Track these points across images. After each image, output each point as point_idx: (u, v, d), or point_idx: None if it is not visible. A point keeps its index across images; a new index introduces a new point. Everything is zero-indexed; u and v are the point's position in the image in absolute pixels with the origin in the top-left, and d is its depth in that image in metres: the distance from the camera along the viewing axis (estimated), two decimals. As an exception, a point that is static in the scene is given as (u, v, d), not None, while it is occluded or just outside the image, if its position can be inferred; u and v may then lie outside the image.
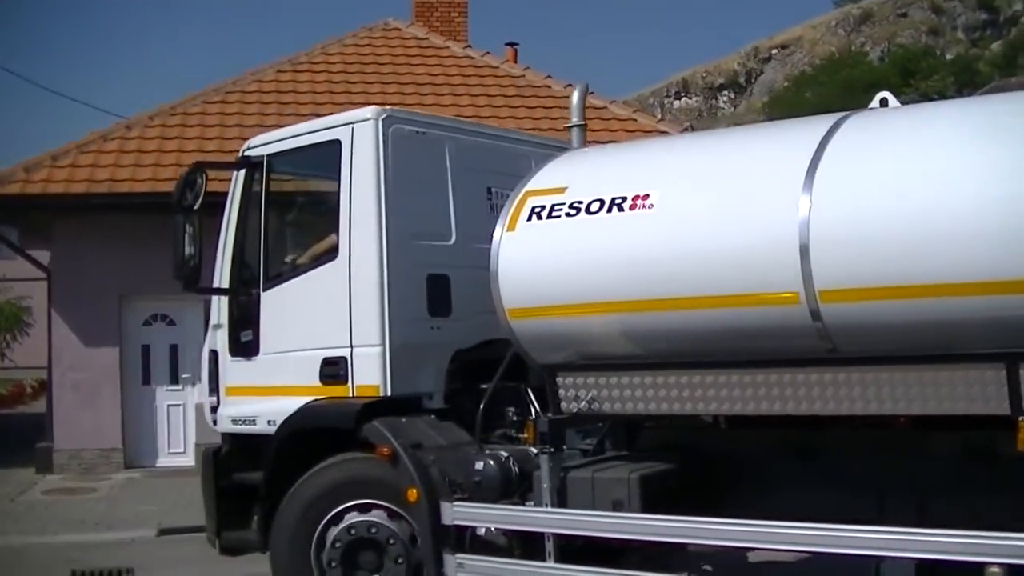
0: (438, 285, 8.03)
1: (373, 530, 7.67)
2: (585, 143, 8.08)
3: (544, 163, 7.54)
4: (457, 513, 7.17)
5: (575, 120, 8.21)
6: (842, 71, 73.82)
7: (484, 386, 7.99)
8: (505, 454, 7.32)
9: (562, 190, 7.09)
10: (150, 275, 17.08)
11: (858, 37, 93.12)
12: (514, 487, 7.23)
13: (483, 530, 7.31)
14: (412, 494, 7.30)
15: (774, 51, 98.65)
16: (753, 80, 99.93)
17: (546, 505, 6.87)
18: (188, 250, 8.16)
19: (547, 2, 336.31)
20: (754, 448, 7.08)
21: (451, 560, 7.17)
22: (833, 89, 69.66)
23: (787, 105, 69.11)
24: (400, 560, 7.61)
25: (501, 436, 7.93)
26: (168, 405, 18.85)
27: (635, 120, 20.69)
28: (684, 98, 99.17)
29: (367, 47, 22.35)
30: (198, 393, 9.31)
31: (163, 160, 18.23)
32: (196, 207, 8.20)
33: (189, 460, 18.21)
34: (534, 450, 7.34)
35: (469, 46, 23.00)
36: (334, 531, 7.72)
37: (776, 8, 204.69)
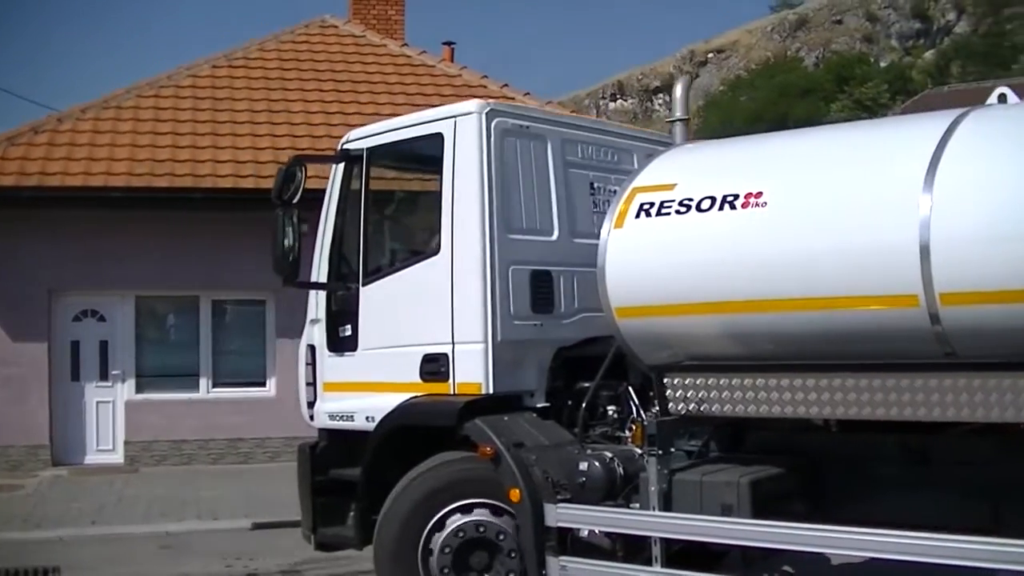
0: (541, 281, 8.06)
1: (481, 529, 7.69)
2: (689, 138, 8.07)
3: (651, 159, 7.53)
4: (561, 514, 7.19)
5: (679, 114, 8.20)
6: (777, 76, 75.81)
7: (586, 384, 8.05)
8: (610, 455, 7.33)
9: (671, 187, 7.08)
10: (80, 270, 17.45)
11: (794, 43, 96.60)
12: (618, 489, 7.24)
13: (586, 532, 7.32)
14: (515, 494, 7.33)
15: (710, 55, 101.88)
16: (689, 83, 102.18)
17: (653, 508, 6.86)
18: (287, 244, 8.26)
19: (484, 2, 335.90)
20: (865, 452, 7.03)
21: (554, 563, 7.19)
22: (768, 93, 71.33)
23: (722, 109, 69.66)
24: (513, 554, 7.62)
25: (603, 436, 7.95)
26: (97, 402, 18.60)
27: (571, 120, 20.62)
28: (620, 100, 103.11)
29: (304, 44, 22.31)
30: (301, 387, 9.19)
31: (96, 154, 18.10)
32: (295, 201, 8.30)
33: (118, 457, 18.40)
34: (639, 451, 7.38)
35: (406, 44, 22.95)
36: (440, 537, 7.71)
37: (713, 12, 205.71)
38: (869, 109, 64.24)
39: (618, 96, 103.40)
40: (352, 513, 8.58)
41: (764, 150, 7.27)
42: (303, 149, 17.17)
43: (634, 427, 7.31)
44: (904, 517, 6.26)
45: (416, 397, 8.04)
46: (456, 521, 7.73)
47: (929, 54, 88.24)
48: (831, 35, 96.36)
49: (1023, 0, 70.46)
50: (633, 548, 7.18)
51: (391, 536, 7.82)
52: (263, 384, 18.50)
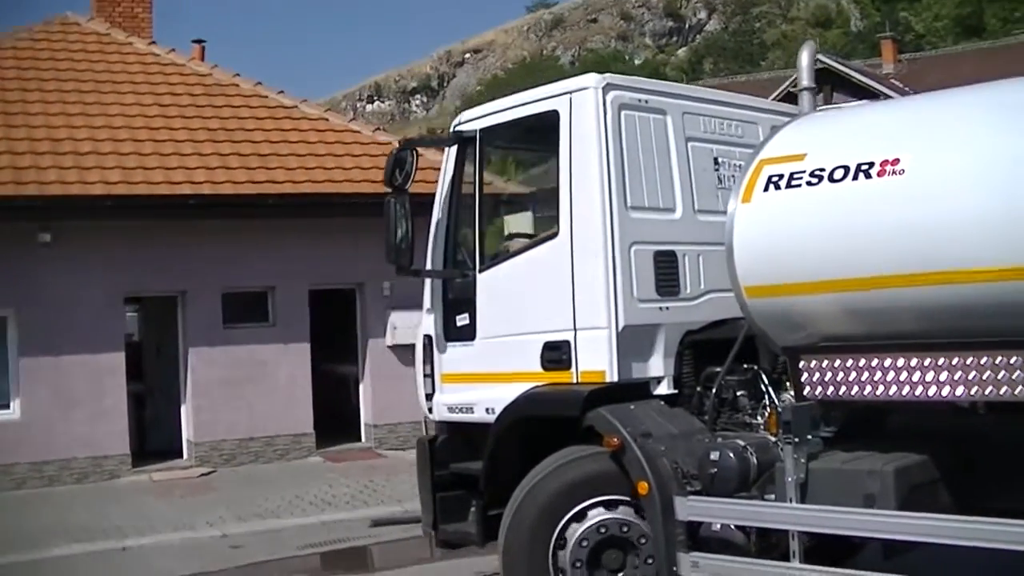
0: (666, 262, 7.88)
1: (625, 529, 7.50)
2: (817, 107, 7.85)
3: (778, 129, 7.31)
4: (692, 508, 7.00)
5: (805, 83, 7.99)
6: (534, 75, 74.85)
7: (716, 369, 7.87)
8: (743, 443, 7.12)
9: (801, 157, 6.87)
10: None
11: (550, 42, 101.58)
12: (752, 479, 7.03)
13: (719, 526, 7.12)
14: (643, 487, 7.16)
15: (467, 55, 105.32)
16: (446, 84, 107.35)
17: (790, 500, 6.63)
18: (401, 232, 8.21)
19: (236, 1, 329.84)
20: (1017, 437, 6.69)
21: (685, 559, 7.01)
22: (526, 93, 70.21)
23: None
24: (650, 560, 7.42)
25: (734, 423, 7.77)
26: None
27: (327, 120, 20.07)
28: (376, 102, 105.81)
29: (43, 42, 21.21)
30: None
31: None
32: (407, 187, 8.25)
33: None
34: (773, 439, 7.17)
35: (154, 42, 22.15)
36: (579, 529, 7.53)
37: (469, 13, 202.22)
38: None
39: (375, 98, 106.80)
40: (473, 509, 8.51)
41: (899, 114, 7.02)
42: (42, 153, 16.76)
43: (768, 413, 7.06)
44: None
45: (537, 387, 7.91)
46: (599, 515, 7.54)
47: (682, 51, 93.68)
48: (586, 34, 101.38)
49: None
50: (767, 542, 6.98)
51: (524, 526, 7.64)
52: (6, 406, 17.09)
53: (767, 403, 7.92)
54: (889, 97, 36.58)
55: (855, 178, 6.53)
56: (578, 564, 7.54)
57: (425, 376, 8.92)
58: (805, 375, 6.80)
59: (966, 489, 6.74)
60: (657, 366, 7.85)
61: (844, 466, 6.65)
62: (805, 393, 6.80)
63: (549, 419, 7.86)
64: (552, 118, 7.95)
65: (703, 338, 8.02)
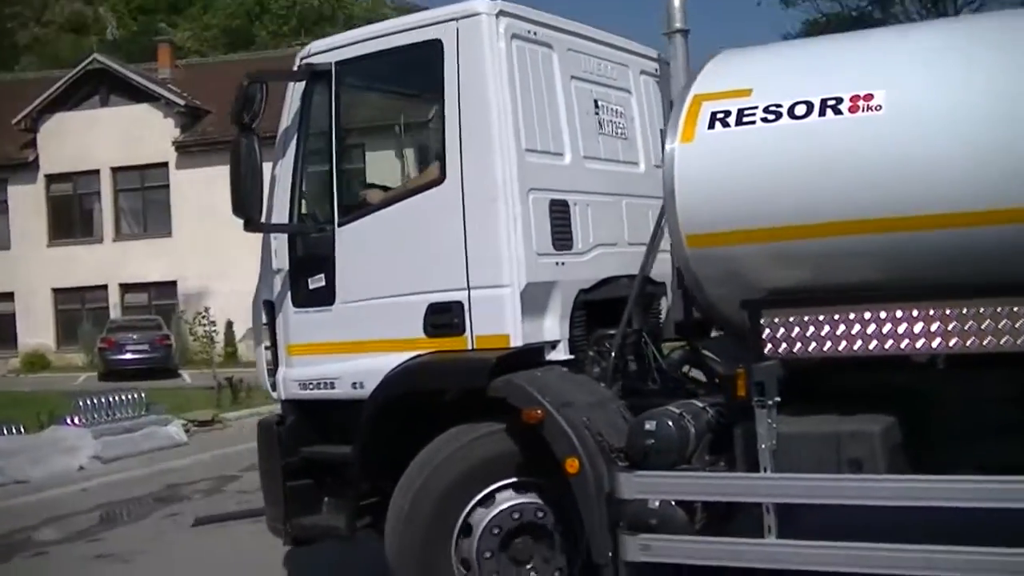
0: (560, 212, 7.17)
1: (540, 514, 6.81)
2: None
3: (708, 64, 6.77)
4: (640, 484, 6.32)
5: (678, 25, 7.53)
6: None
7: (609, 332, 7.34)
8: (677, 410, 6.54)
9: (747, 92, 6.39)
10: None
11: None
12: (691, 450, 6.48)
13: (656, 503, 6.49)
14: (572, 464, 6.45)
15: None
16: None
17: (765, 469, 6.10)
18: (251, 178, 7.09)
19: None
20: (974, 391, 6.46)
21: (632, 542, 6.32)
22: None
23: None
24: (566, 547, 6.78)
25: (635, 390, 7.21)
26: None
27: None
28: None
29: None
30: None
31: None
32: (255, 126, 7.13)
33: None
34: (700, 403, 6.69)
35: None
36: (487, 515, 6.80)
37: None
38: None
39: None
40: (327, 499, 7.58)
41: (866, 48, 6.61)
42: None
43: (736, 373, 6.45)
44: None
45: (422, 356, 7.02)
46: (509, 500, 6.82)
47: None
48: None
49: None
50: (713, 519, 6.45)
51: (421, 515, 6.82)
52: None
53: (657, 366, 7.50)
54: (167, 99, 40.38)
55: (822, 114, 6.12)
56: (488, 554, 6.79)
57: (267, 348, 7.80)
58: (768, 331, 6.28)
59: (923, 449, 6.45)
60: (553, 329, 7.12)
61: (822, 429, 6.18)
62: (766, 351, 6.28)
63: (438, 392, 7.03)
64: (432, 48, 7.04)
65: (595, 298, 7.38)
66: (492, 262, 6.83)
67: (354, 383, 7.27)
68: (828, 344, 6.18)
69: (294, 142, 7.55)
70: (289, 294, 7.62)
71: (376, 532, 7.45)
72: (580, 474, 6.44)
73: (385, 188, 7.73)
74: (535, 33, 7.18)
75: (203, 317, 29.96)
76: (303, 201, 7.59)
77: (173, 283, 41.16)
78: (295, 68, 7.57)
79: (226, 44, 64.34)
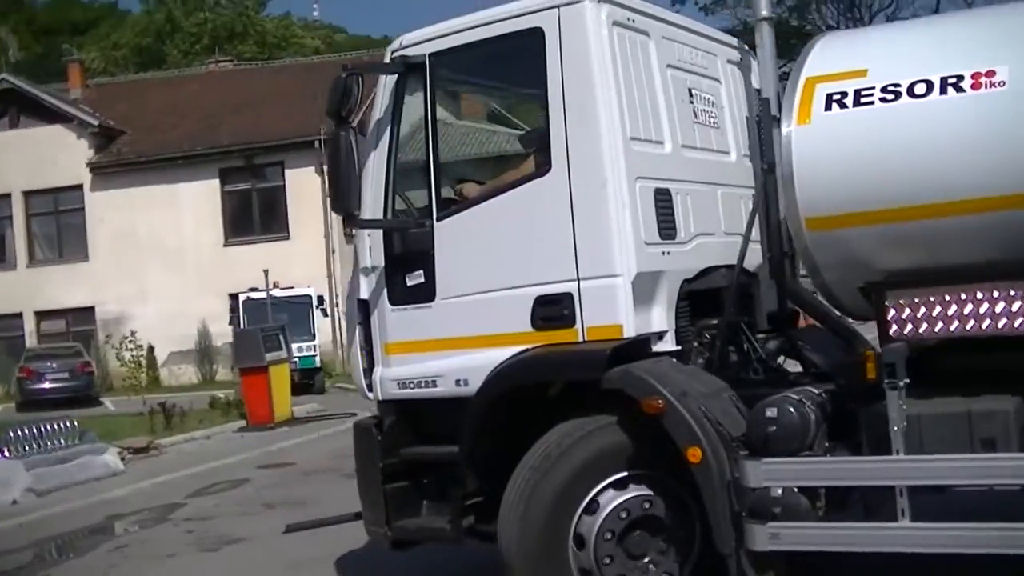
0: (664, 201, 7.10)
1: (647, 505, 6.73)
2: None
3: (815, 47, 6.75)
4: (768, 471, 6.27)
5: (764, 13, 7.57)
6: None
7: (712, 322, 7.36)
8: (797, 397, 6.50)
9: (862, 72, 6.39)
10: None
11: None
12: (813, 436, 6.43)
13: (779, 491, 6.43)
14: (695, 454, 6.38)
15: None
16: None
17: (897, 451, 6.06)
18: (351, 173, 7.02)
19: None
20: None
21: (760, 531, 6.27)
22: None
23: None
24: (682, 532, 6.72)
25: (733, 380, 7.16)
26: None
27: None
28: None
29: None
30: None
31: None
32: (353, 121, 7.08)
33: None
34: (815, 390, 6.65)
35: None
36: (597, 521, 6.71)
37: None
38: None
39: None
40: (426, 501, 7.51)
41: (980, 25, 6.62)
42: None
43: (863, 355, 6.42)
44: None
45: (532, 349, 6.95)
46: (613, 500, 6.72)
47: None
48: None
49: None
50: (835, 505, 6.41)
51: (539, 514, 6.71)
52: None
53: (757, 356, 7.50)
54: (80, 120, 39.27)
55: (943, 92, 6.11)
56: (607, 553, 6.72)
57: (361, 349, 7.72)
58: (892, 313, 6.26)
59: None
60: (660, 319, 7.05)
61: (953, 409, 6.13)
62: (891, 333, 6.25)
63: (539, 387, 7.01)
64: (532, 37, 6.98)
65: (696, 288, 7.33)
66: (603, 252, 6.77)
67: (458, 380, 7.18)
68: (955, 324, 6.15)
69: (386, 136, 7.47)
70: (385, 292, 7.52)
71: (475, 533, 7.39)
72: (703, 463, 6.37)
73: (480, 181, 7.64)
74: (633, 21, 7.14)
75: (130, 341, 29.05)
76: (394, 197, 7.50)
77: (91, 309, 39.56)
78: (387, 61, 7.51)
79: (136, 64, 64.19)
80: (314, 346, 31.62)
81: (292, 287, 31.58)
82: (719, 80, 7.97)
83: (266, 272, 28.64)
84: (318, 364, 31.97)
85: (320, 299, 33.39)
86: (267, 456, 18.78)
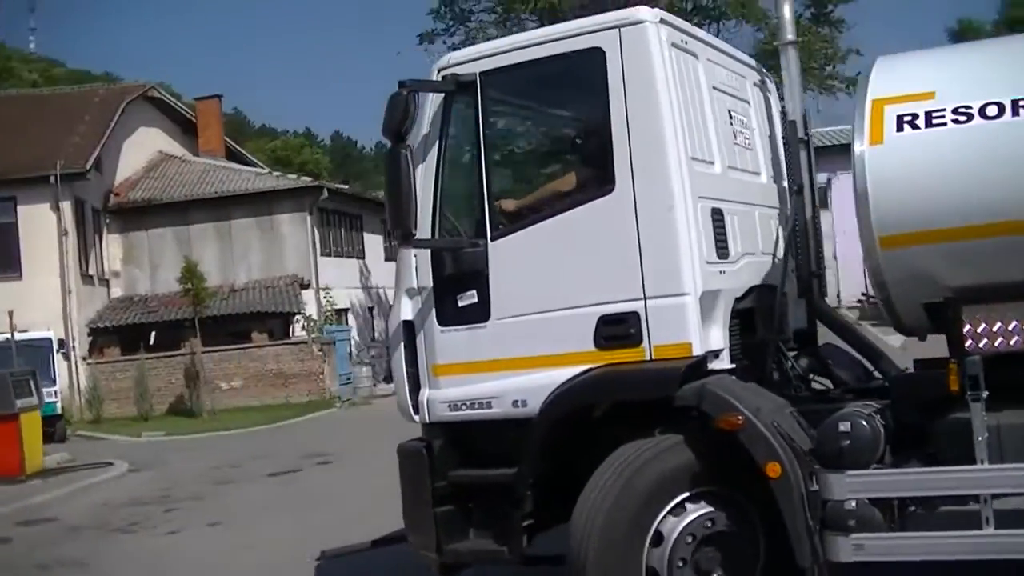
0: (719, 220, 7.25)
1: (712, 523, 6.83)
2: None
3: (877, 68, 6.98)
4: (852, 484, 6.45)
5: (789, 37, 7.82)
6: None
7: (763, 340, 7.61)
8: (866, 411, 6.70)
9: (930, 95, 6.65)
10: None
11: None
12: (883, 449, 6.63)
13: (853, 503, 6.60)
14: (774, 469, 6.51)
15: None
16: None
17: (982, 461, 6.29)
18: (407, 191, 6.98)
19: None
20: None
21: (844, 542, 6.44)
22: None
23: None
24: (750, 553, 6.82)
25: (793, 396, 7.36)
26: None
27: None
28: None
29: None
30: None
31: None
32: (408, 138, 7.05)
33: None
34: (876, 404, 6.85)
35: None
36: (680, 524, 6.82)
37: None
38: None
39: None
40: (475, 524, 7.49)
41: None
42: None
43: (948, 368, 6.61)
44: None
45: (597, 368, 6.98)
46: (688, 515, 6.82)
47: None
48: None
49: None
50: (908, 516, 6.62)
51: (616, 533, 6.74)
52: None
53: (795, 373, 7.71)
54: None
55: (1016, 114, 6.38)
56: (681, 563, 6.82)
57: (406, 371, 7.63)
58: (968, 327, 6.49)
59: None
60: (717, 338, 7.17)
61: None
62: (967, 347, 6.48)
63: (613, 406, 7.08)
64: (591, 57, 7.04)
65: (742, 307, 7.49)
66: (671, 270, 6.86)
67: (515, 401, 7.18)
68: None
69: (434, 155, 7.44)
70: (433, 312, 7.47)
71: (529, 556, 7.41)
72: (782, 478, 6.51)
73: (533, 201, 7.65)
74: (686, 42, 7.29)
75: None
76: (449, 216, 7.47)
77: None
78: (434, 78, 7.48)
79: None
80: (55, 392, 29.17)
81: (26, 330, 28.69)
82: (749, 102, 8.17)
83: (11, 313, 26.29)
84: (59, 411, 29.63)
85: (61, 342, 32.00)
86: (25, 511, 17.47)
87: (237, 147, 50.84)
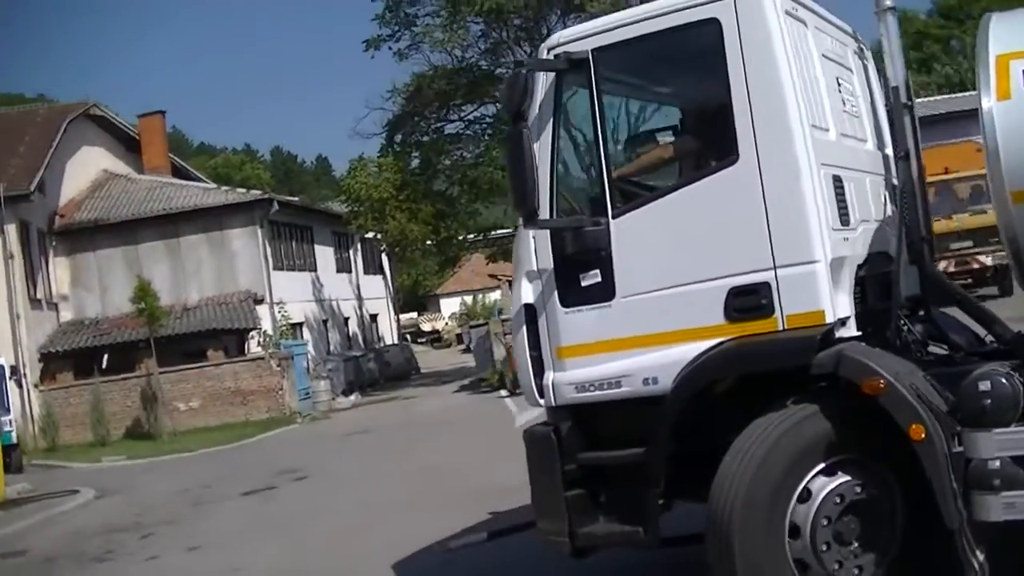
0: (839, 188, 7.23)
1: (857, 490, 6.77)
2: None
3: (994, 25, 6.96)
4: (1003, 442, 6.40)
5: (889, 3, 7.88)
6: None
7: (885, 307, 7.53)
8: (1004, 370, 6.66)
9: None
10: None
11: None
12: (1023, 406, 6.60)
13: (997, 463, 6.55)
14: (917, 431, 6.48)
15: None
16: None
17: None
18: (530, 169, 6.97)
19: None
20: None
21: (994, 501, 6.40)
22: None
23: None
24: (891, 518, 6.80)
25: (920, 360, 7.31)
26: None
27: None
28: None
29: None
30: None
31: None
32: (528, 117, 7.05)
33: None
34: (1007, 366, 6.80)
35: None
36: (811, 509, 6.74)
37: None
38: None
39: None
40: (604, 506, 7.46)
41: None
42: None
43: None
44: None
45: (727, 341, 6.96)
46: (826, 486, 6.76)
47: None
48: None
49: None
50: None
51: (757, 510, 6.66)
52: None
53: (913, 338, 7.63)
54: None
55: None
56: (825, 548, 6.76)
57: (532, 355, 7.61)
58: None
59: None
60: (844, 305, 7.13)
61: None
62: None
63: (746, 377, 7.03)
64: (706, 28, 7.03)
65: (863, 274, 7.46)
66: (801, 238, 6.84)
67: (646, 379, 7.16)
68: None
69: (548, 135, 7.43)
70: (556, 294, 7.46)
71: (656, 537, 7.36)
72: (927, 440, 6.47)
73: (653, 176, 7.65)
74: (797, 10, 7.28)
75: None
76: (566, 195, 7.46)
77: None
78: (547, 57, 7.47)
79: None
80: (9, 420, 28.78)
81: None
82: (852, 70, 8.16)
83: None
84: (15, 440, 28.85)
85: (13, 369, 31.58)
86: (-6, 543, 17.38)
87: (183, 163, 50.63)
